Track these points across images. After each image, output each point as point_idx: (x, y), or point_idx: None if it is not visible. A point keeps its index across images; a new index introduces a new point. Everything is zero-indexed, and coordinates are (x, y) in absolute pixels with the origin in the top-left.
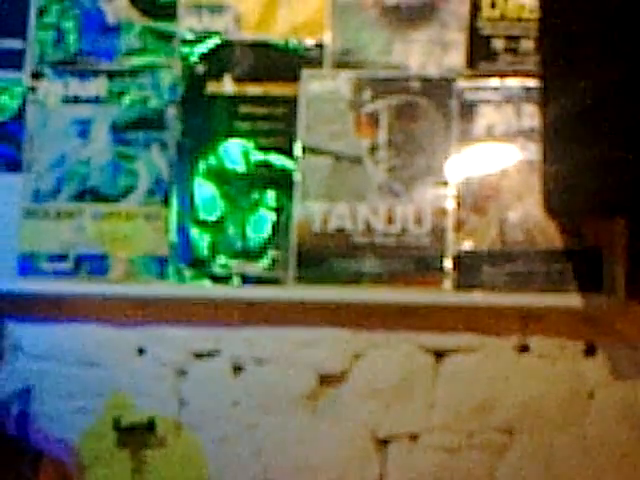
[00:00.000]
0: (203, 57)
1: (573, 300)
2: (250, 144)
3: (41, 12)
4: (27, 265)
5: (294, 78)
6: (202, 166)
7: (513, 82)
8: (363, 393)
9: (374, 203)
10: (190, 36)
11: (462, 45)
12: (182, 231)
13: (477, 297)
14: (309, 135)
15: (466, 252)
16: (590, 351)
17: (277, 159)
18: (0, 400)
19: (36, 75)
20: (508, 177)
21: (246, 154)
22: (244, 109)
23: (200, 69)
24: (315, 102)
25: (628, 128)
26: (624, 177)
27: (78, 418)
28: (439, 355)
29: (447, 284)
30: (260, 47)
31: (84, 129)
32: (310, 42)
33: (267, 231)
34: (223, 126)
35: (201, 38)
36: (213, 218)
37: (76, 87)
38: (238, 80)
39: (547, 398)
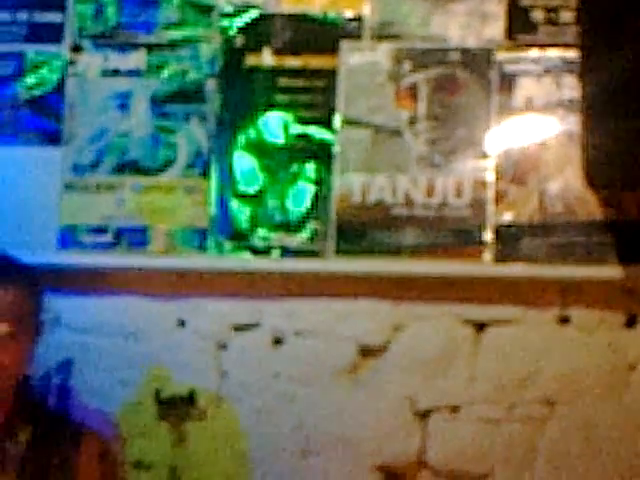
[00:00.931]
0: (242, 30)
1: (613, 271)
2: (289, 116)
3: None
4: (67, 238)
5: (333, 50)
6: (241, 139)
7: (553, 53)
8: (403, 365)
9: (414, 175)
10: (229, 9)
11: (501, 16)
12: (222, 203)
13: (517, 269)
14: (348, 107)
15: (506, 224)
16: (630, 322)
17: (316, 131)
18: (41, 373)
19: (76, 48)
20: (548, 149)
21: (285, 126)
22: (283, 82)
23: (239, 42)
24: (354, 74)
25: None
26: None
27: (118, 391)
28: (480, 327)
29: (487, 256)
30: (299, 19)
31: (123, 102)
32: (349, 14)
33: (307, 203)
34: (262, 99)
35: (240, 11)
36: (253, 190)
37: (115, 60)
38: (277, 53)
39: (587, 370)
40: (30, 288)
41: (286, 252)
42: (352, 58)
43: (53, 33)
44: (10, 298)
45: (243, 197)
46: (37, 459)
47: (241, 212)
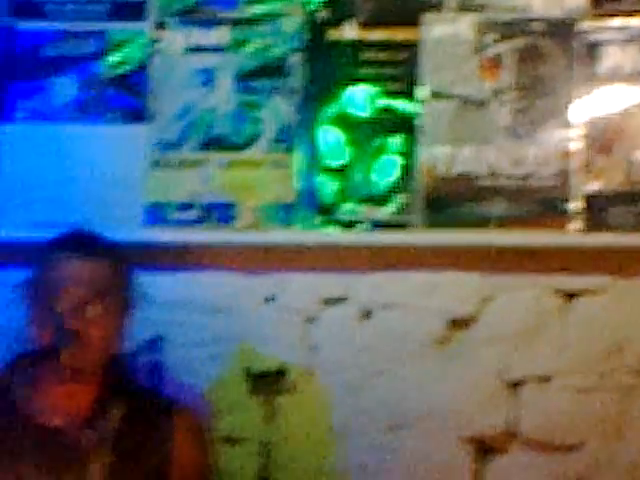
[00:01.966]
0: (324, 4)
1: None
2: (374, 89)
3: None
4: (154, 215)
5: (416, 23)
6: (326, 113)
7: (638, 22)
8: (493, 336)
9: (499, 146)
10: None
11: None
12: (308, 178)
13: (605, 238)
14: (433, 79)
15: (593, 193)
16: None
17: (401, 104)
18: (131, 350)
19: (159, 26)
20: (634, 117)
21: (370, 100)
22: (367, 55)
23: (322, 16)
24: (438, 46)
25: None
26: None
27: (208, 366)
28: (569, 297)
29: (574, 226)
30: None
31: (208, 78)
32: None
33: (393, 176)
34: (346, 72)
35: None
36: (338, 164)
37: (199, 36)
38: (360, 26)
39: None
40: (119, 264)
41: (373, 225)
42: (435, 30)
43: (136, 11)
44: (100, 273)
45: (329, 171)
46: (131, 434)
47: (327, 186)
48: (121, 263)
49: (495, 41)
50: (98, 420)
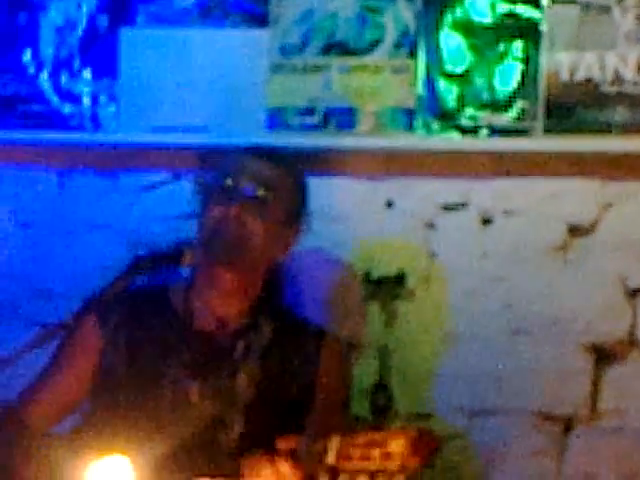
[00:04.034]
0: None
1: None
2: None
3: None
4: (275, 119)
5: None
6: (448, 18)
7: None
8: (613, 244)
9: (622, 52)
10: None
11: None
12: (429, 83)
13: None
14: None
15: None
16: None
17: (524, 9)
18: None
19: None
20: None
21: (492, 5)
22: None
23: None
24: None
25: None
26: None
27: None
28: None
29: None
30: None
31: None
32: None
33: (515, 82)
34: None
35: None
36: (460, 70)
37: None
38: None
39: None
40: (288, 177)
41: (494, 131)
42: None
43: None
44: (270, 171)
45: (450, 76)
46: (279, 352)
47: (448, 91)
48: (291, 176)
49: None
50: (250, 332)
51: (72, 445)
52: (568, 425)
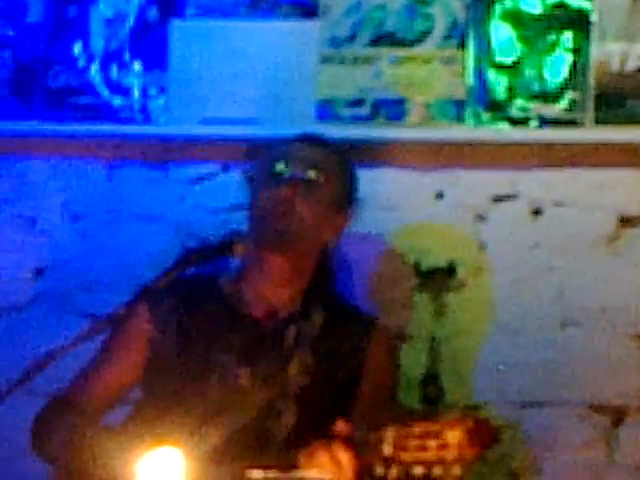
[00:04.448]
0: None
1: None
2: None
3: None
4: (325, 111)
5: None
6: (498, 8)
7: None
8: None
9: None
10: None
11: None
12: (479, 74)
13: None
14: None
15: None
16: None
17: (573, 0)
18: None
19: None
20: None
21: None
22: None
23: None
24: None
25: None
26: None
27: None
28: None
29: None
30: None
31: None
32: None
33: (564, 73)
34: None
35: None
36: (510, 61)
37: None
38: None
39: None
40: (338, 162)
41: (544, 122)
42: None
43: None
44: (319, 155)
45: (500, 67)
46: (330, 341)
47: (498, 82)
48: (340, 160)
49: None
50: (300, 320)
51: (124, 436)
52: (619, 416)
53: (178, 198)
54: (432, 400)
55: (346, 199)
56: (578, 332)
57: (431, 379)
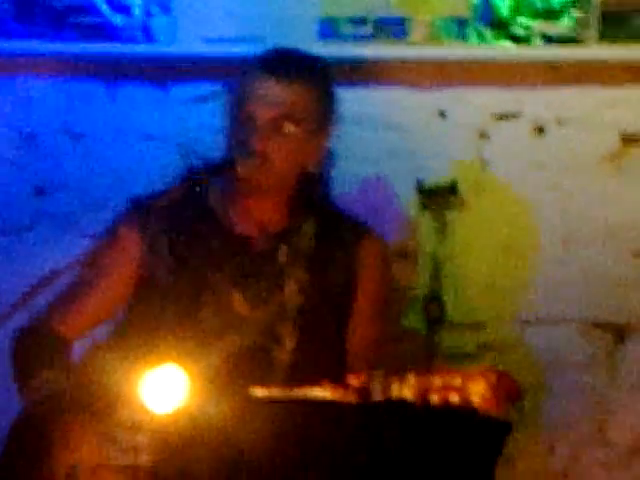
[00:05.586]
0: None
1: None
2: None
3: None
4: (327, 29)
5: None
6: None
7: None
8: None
9: None
10: None
11: None
12: None
13: None
14: None
15: None
16: None
17: None
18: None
19: None
20: None
21: None
22: None
23: None
24: None
25: None
26: None
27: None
28: None
29: None
30: None
31: None
32: None
33: None
34: None
35: None
36: None
37: None
38: None
39: None
40: (318, 86)
41: (548, 40)
42: None
43: None
44: (294, 97)
45: None
46: (322, 253)
47: (502, 0)
48: (321, 84)
49: None
50: (292, 236)
51: (113, 354)
52: (621, 334)
53: (180, 117)
54: (435, 320)
55: (325, 122)
56: (581, 250)
57: (434, 299)
